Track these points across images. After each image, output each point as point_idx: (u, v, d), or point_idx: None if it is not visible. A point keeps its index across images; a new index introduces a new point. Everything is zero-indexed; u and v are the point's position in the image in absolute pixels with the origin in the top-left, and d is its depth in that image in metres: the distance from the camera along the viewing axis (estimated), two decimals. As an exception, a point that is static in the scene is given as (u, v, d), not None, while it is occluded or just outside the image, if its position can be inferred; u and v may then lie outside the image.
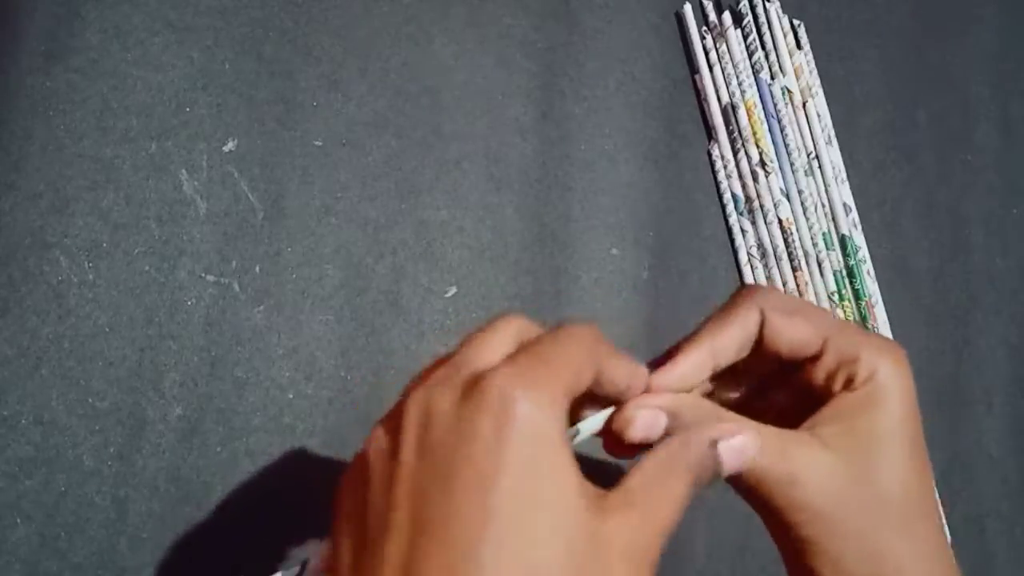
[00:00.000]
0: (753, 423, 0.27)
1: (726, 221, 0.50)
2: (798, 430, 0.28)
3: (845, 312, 0.50)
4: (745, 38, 0.52)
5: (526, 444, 0.20)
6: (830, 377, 0.28)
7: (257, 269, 0.37)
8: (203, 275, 0.36)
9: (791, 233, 0.50)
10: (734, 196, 0.50)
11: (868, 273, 0.53)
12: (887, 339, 0.29)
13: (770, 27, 0.53)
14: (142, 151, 0.36)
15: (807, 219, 0.51)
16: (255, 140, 0.38)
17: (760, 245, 0.50)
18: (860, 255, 0.52)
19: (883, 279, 0.53)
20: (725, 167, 0.50)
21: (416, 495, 0.21)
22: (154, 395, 0.34)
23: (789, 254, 0.49)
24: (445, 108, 0.43)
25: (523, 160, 0.44)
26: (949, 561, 0.28)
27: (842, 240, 0.52)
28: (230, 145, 0.38)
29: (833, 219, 0.52)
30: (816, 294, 0.50)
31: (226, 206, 0.37)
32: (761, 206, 0.50)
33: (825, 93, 0.54)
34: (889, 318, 0.53)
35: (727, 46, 0.51)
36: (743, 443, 0.26)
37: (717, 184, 0.50)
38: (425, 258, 0.41)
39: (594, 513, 0.21)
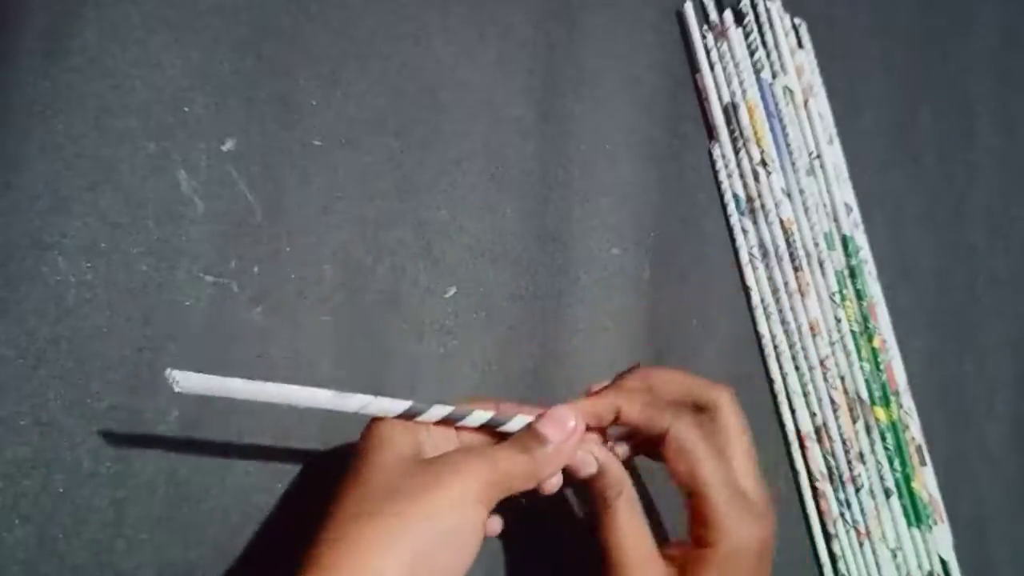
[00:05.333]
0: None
1: (727, 221, 0.50)
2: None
3: (847, 312, 0.50)
4: (746, 37, 0.52)
5: (372, 438, 0.32)
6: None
7: (256, 269, 0.37)
8: (202, 275, 0.36)
9: (792, 233, 0.50)
10: (735, 196, 0.50)
11: (870, 273, 0.52)
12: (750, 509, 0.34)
13: (771, 26, 0.53)
14: (140, 151, 0.36)
15: (808, 219, 0.50)
16: (254, 139, 0.38)
17: (761, 245, 0.49)
18: (862, 255, 0.52)
19: (885, 279, 0.53)
20: (726, 166, 0.50)
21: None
22: (152, 396, 0.34)
23: (790, 254, 0.49)
24: (445, 108, 0.43)
25: (523, 160, 0.44)
26: None
27: (844, 240, 0.51)
28: (229, 145, 0.37)
29: (835, 219, 0.52)
30: (818, 294, 0.50)
31: (225, 206, 0.37)
32: (762, 206, 0.49)
33: (827, 92, 0.54)
34: (891, 318, 0.53)
35: (728, 45, 0.51)
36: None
37: (718, 184, 0.50)
38: (425, 258, 0.41)
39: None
